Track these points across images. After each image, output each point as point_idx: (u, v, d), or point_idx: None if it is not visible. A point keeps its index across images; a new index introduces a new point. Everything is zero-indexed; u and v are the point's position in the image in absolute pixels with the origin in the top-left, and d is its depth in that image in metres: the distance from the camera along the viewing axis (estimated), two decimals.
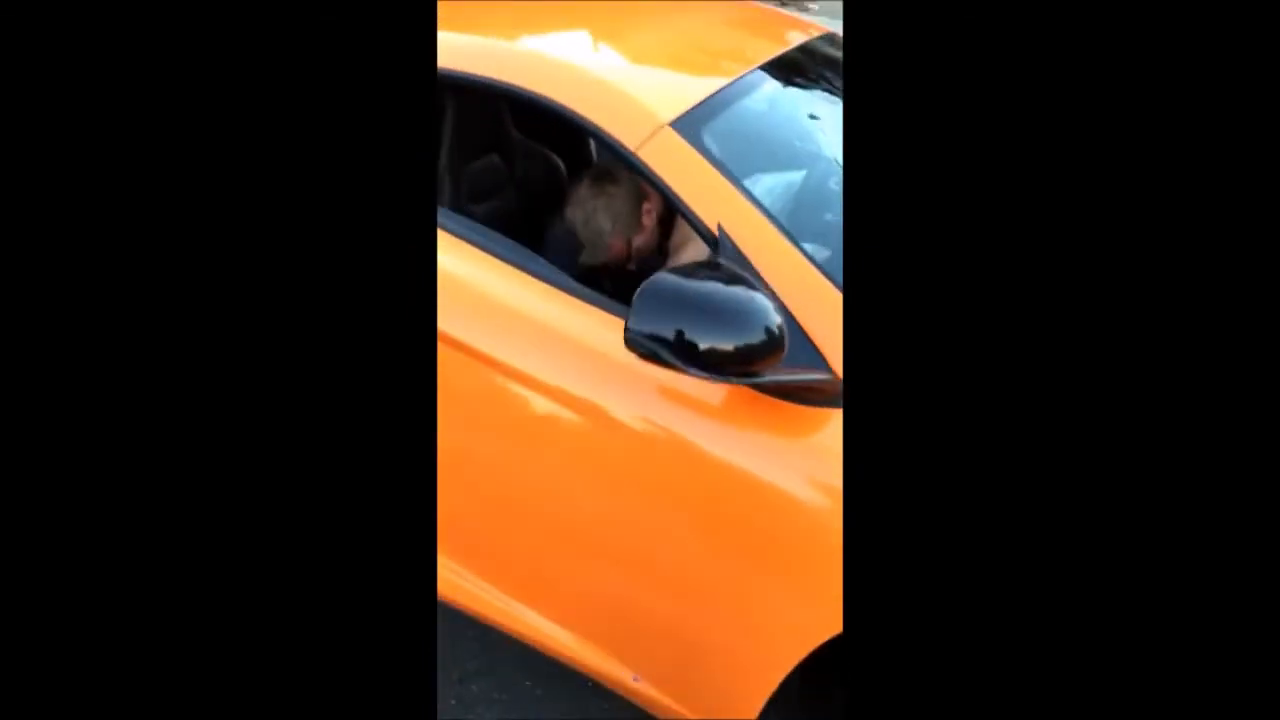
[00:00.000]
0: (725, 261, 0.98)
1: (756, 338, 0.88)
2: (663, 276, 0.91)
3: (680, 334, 0.87)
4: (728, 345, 0.87)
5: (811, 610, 0.93)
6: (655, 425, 1.02)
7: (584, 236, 1.38)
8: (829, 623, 0.91)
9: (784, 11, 1.82)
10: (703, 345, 0.87)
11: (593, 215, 1.37)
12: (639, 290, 0.89)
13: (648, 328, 0.88)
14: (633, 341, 0.89)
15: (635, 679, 1.11)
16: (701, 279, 0.92)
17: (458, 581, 1.22)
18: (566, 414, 1.08)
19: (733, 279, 0.94)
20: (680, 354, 0.88)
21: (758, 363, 0.89)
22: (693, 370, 0.88)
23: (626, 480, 1.07)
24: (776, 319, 0.89)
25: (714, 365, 0.88)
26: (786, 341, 0.90)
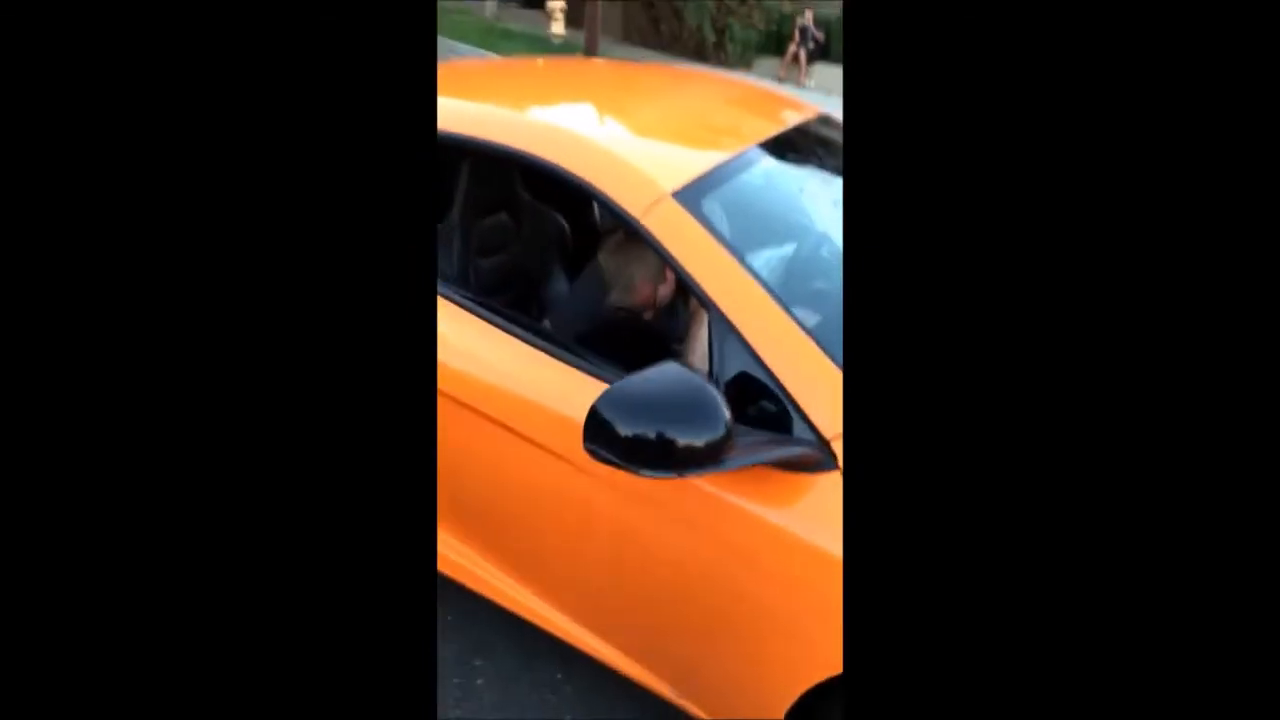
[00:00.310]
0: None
1: (719, 430, 0.90)
2: (609, 393, 0.93)
3: (634, 436, 0.91)
4: (699, 442, 0.90)
5: (804, 639, 0.98)
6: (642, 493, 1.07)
7: (614, 280, 1.45)
8: (804, 674, 0.94)
9: (780, 91, 1.92)
10: (681, 443, 0.90)
11: (626, 263, 1.44)
12: (590, 411, 0.92)
13: (598, 445, 0.93)
14: (595, 454, 0.93)
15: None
16: (639, 385, 0.93)
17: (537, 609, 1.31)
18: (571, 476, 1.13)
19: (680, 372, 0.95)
20: (637, 458, 0.92)
21: (727, 457, 0.92)
22: (651, 472, 0.92)
23: (625, 534, 1.12)
24: (724, 410, 0.91)
25: (663, 463, 0.91)
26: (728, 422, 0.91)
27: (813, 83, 10.38)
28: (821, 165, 1.54)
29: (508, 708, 1.36)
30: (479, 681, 1.40)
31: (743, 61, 10.60)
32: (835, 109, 2.02)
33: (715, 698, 1.15)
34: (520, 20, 11.65)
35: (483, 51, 8.27)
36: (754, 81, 2.08)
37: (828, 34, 10.42)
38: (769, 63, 10.73)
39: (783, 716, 1.02)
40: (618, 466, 0.93)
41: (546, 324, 1.45)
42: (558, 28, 10.36)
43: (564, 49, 9.91)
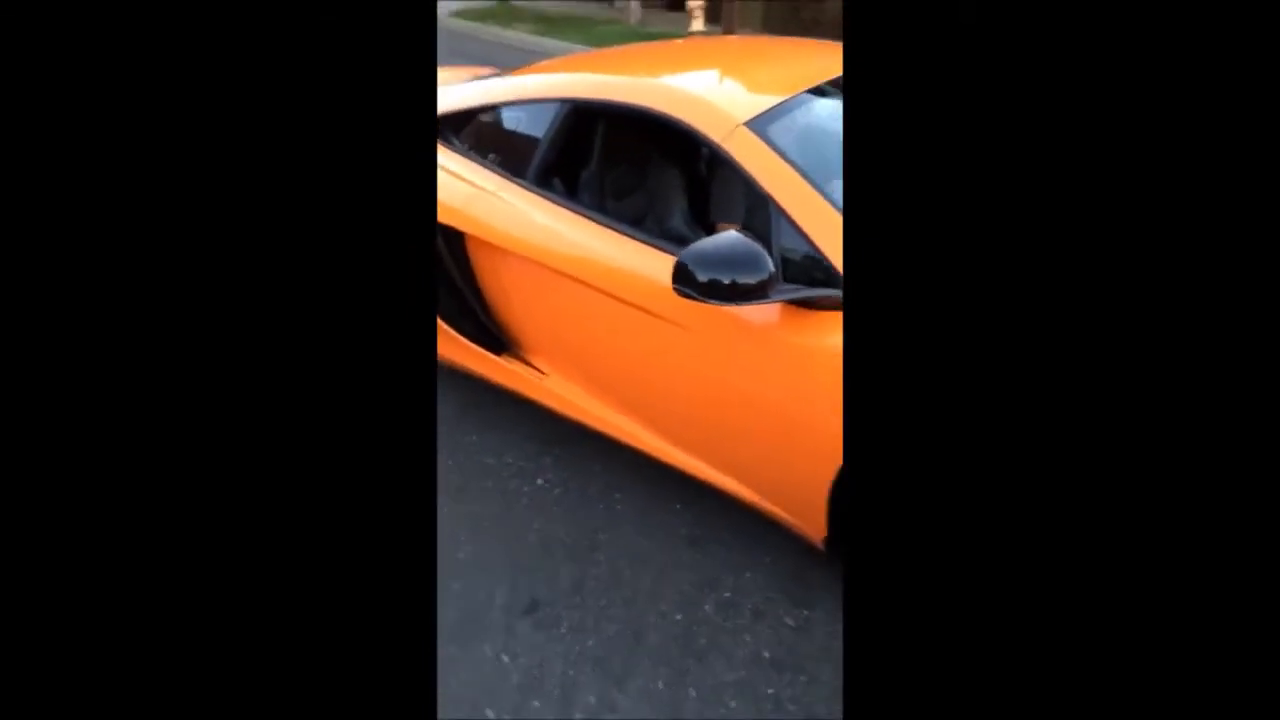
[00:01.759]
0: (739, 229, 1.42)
1: (765, 273, 1.32)
2: (689, 249, 1.37)
3: (711, 280, 1.33)
4: (752, 281, 1.32)
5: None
6: (727, 316, 1.49)
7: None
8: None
9: None
10: (725, 281, 1.33)
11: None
12: (677, 262, 1.36)
13: (684, 286, 1.36)
14: (679, 291, 1.37)
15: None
16: (716, 244, 1.36)
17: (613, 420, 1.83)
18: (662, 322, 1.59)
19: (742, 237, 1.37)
20: (708, 295, 1.34)
21: (772, 291, 1.34)
22: (720, 303, 1.34)
23: (713, 352, 1.55)
24: (769, 262, 1.32)
25: (735, 296, 1.33)
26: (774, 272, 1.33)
27: None
28: None
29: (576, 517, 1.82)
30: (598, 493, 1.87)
31: None
32: None
33: (770, 483, 1.54)
34: (665, 23, 12.22)
35: None
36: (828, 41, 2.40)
37: None
38: None
39: (828, 492, 1.40)
40: (697, 300, 1.36)
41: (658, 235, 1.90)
42: (698, 24, 10.79)
43: None
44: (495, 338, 2.06)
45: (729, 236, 1.37)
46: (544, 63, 2.33)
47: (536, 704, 1.40)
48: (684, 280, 1.37)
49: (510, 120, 2.05)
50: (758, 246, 1.34)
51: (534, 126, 1.94)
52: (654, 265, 1.61)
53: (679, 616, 1.57)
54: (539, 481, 1.95)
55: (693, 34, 10.77)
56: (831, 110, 1.79)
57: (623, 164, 2.04)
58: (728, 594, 1.62)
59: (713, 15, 10.77)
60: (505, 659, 1.48)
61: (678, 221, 2.01)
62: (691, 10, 10.86)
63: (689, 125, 1.64)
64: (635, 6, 12.45)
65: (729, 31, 8.89)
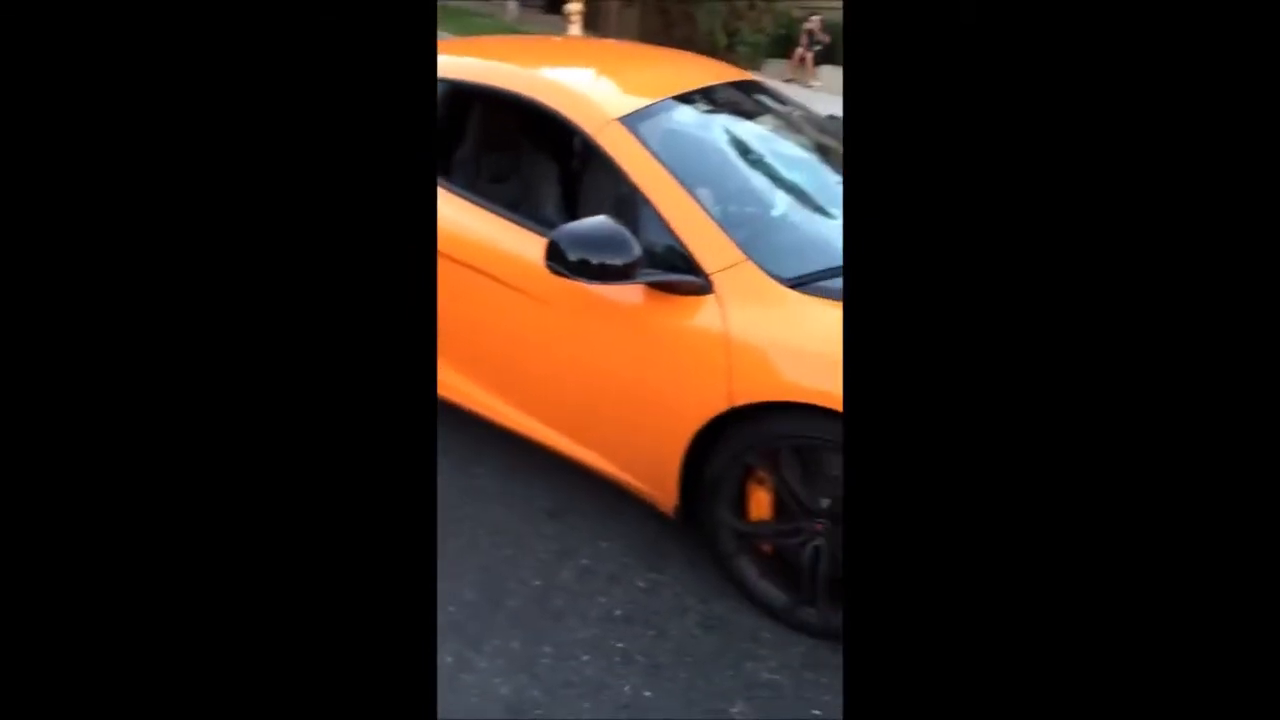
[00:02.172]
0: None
1: (631, 256, 1.43)
2: (561, 230, 1.46)
3: (581, 260, 1.43)
4: (619, 262, 1.43)
5: (694, 400, 1.47)
6: (594, 295, 1.58)
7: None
8: (712, 401, 1.44)
9: (722, 64, 2.44)
10: (594, 261, 1.43)
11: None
12: (550, 241, 1.45)
13: (556, 263, 1.46)
14: (552, 268, 1.46)
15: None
16: (588, 227, 1.46)
17: (483, 398, 1.87)
18: (537, 302, 1.66)
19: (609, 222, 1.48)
20: (578, 273, 1.44)
21: (636, 273, 1.44)
22: (588, 281, 1.44)
23: (578, 330, 1.64)
24: (636, 246, 1.44)
25: (603, 276, 1.43)
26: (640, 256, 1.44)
27: (819, 83, 10.84)
28: (732, 113, 2.06)
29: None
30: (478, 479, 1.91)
31: (752, 64, 11.08)
32: (839, 108, 2.51)
33: (628, 456, 1.65)
34: (541, 25, 12.24)
35: None
36: (710, 60, 2.59)
37: (834, 37, 10.89)
38: (777, 65, 11.20)
39: (680, 464, 1.52)
40: (567, 278, 1.44)
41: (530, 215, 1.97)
42: (575, 30, 10.93)
43: None
44: None
45: (599, 220, 1.46)
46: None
47: None
48: (555, 258, 1.45)
49: None
50: (625, 231, 1.45)
51: None
52: (526, 246, 1.68)
53: (537, 583, 1.64)
54: None
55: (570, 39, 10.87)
56: (696, 117, 1.94)
57: (498, 149, 2.10)
58: (585, 561, 1.71)
59: (589, 22, 10.94)
60: None
61: (550, 209, 2.09)
62: (569, 15, 10.97)
63: (565, 116, 1.73)
64: (513, 6, 12.40)
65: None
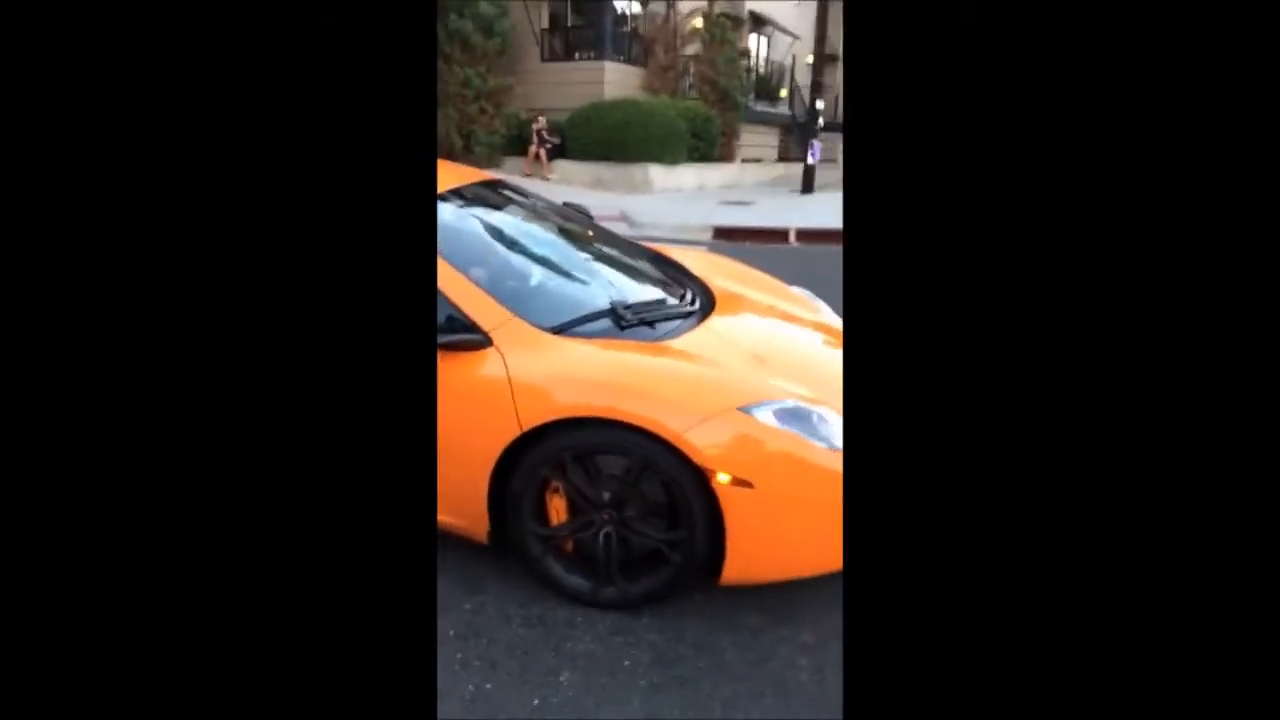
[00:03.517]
0: None
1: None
2: None
3: None
4: None
5: (491, 435, 1.78)
6: None
7: None
8: (506, 431, 1.76)
9: (465, 167, 2.88)
10: None
11: None
12: None
13: None
14: None
15: None
16: None
17: None
18: None
19: None
20: None
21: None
22: None
23: None
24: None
25: None
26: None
27: (555, 176, 11.84)
28: (487, 206, 2.48)
29: None
30: None
31: (490, 163, 11.80)
32: (576, 198, 2.99)
33: (442, 498, 1.92)
34: None
35: None
36: (454, 164, 3.02)
37: (561, 135, 12.01)
38: (514, 161, 12.04)
39: (486, 497, 1.82)
40: None
41: None
42: None
43: None
44: None
45: None
46: None
47: None
48: None
49: None
50: None
51: None
52: None
53: None
54: None
55: None
56: (455, 211, 2.33)
57: None
58: None
59: None
60: None
61: None
62: None
63: None
64: None
65: None
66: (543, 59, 13.18)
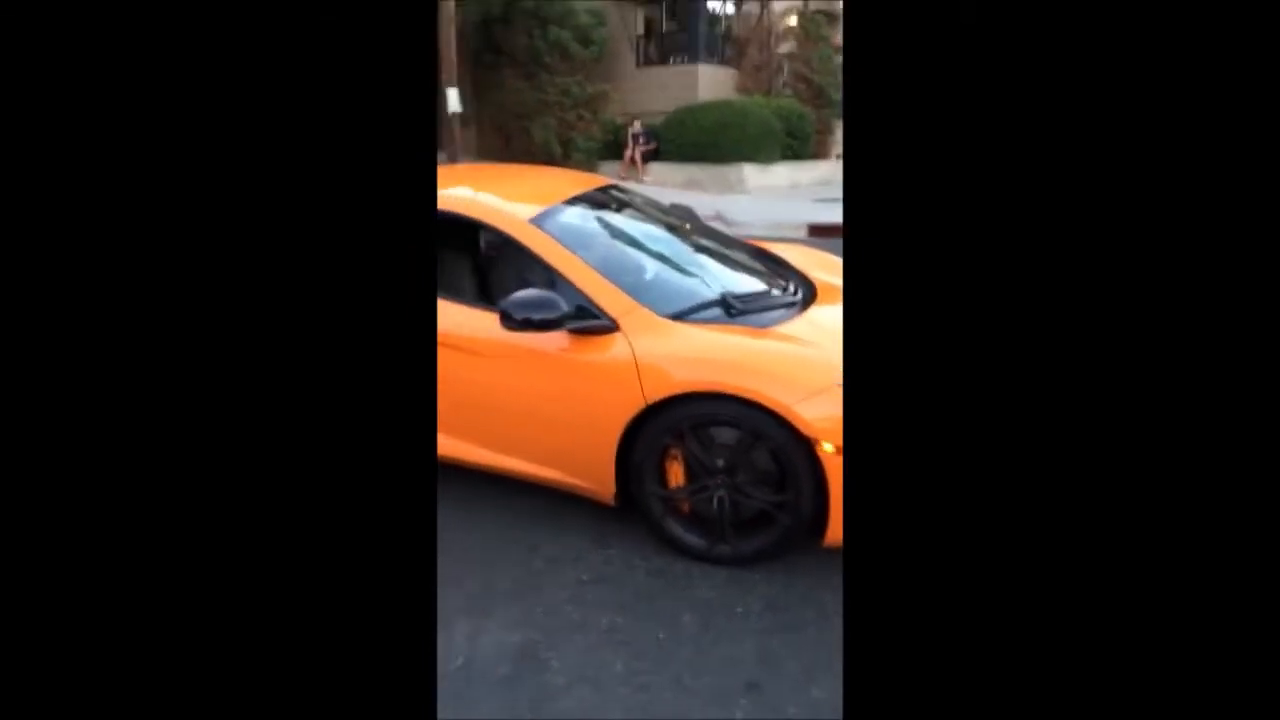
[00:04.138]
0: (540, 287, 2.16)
1: (560, 311, 2.05)
2: (508, 299, 2.07)
3: (525, 318, 2.03)
4: (552, 316, 2.04)
5: (619, 408, 2.05)
6: (530, 349, 2.16)
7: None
8: (632, 405, 2.03)
9: (583, 173, 3.18)
10: (536, 318, 2.04)
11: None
12: (501, 308, 2.06)
13: (509, 322, 2.05)
14: (506, 326, 2.06)
15: None
16: (527, 295, 2.08)
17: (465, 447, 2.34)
18: (494, 361, 2.22)
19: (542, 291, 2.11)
20: (526, 326, 2.04)
21: (565, 322, 2.06)
22: (536, 331, 2.05)
23: (523, 375, 2.20)
24: (563, 304, 2.06)
25: (544, 326, 2.04)
26: (569, 310, 2.07)
27: (649, 178, 12.16)
28: (608, 210, 2.76)
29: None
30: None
31: (588, 166, 12.24)
32: (671, 200, 3.28)
33: (573, 463, 2.20)
34: None
35: None
36: (573, 171, 3.34)
37: (656, 138, 12.32)
38: (611, 165, 12.45)
39: (614, 460, 2.09)
40: (517, 330, 2.03)
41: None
42: None
43: None
44: None
45: (533, 291, 2.07)
46: None
47: None
48: (507, 320, 2.03)
49: None
50: (553, 294, 2.06)
51: None
52: (470, 319, 2.25)
53: (517, 571, 2.13)
54: None
55: None
56: (580, 213, 2.62)
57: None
58: (551, 550, 2.22)
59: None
60: None
61: (469, 294, 2.67)
62: None
63: (487, 222, 2.34)
64: None
65: (452, 158, 9.86)
66: (638, 64, 13.54)
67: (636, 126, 12.24)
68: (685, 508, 2.16)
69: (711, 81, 12.99)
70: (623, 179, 11.93)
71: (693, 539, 2.14)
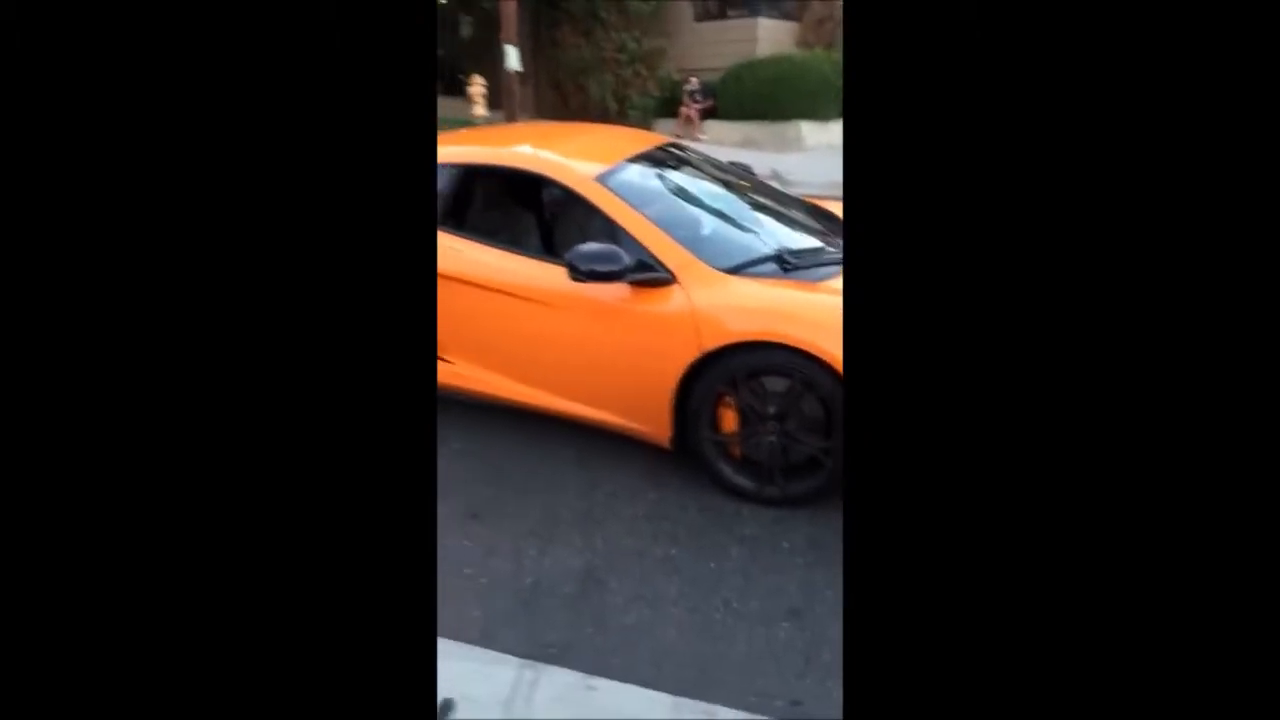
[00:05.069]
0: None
1: (623, 264, 2.18)
2: (574, 251, 2.20)
3: (590, 270, 2.17)
4: (616, 268, 2.17)
5: (676, 356, 2.18)
6: (592, 300, 2.30)
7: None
8: (688, 353, 2.16)
9: (643, 131, 3.28)
10: (600, 270, 2.17)
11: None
12: (568, 260, 2.20)
13: (574, 273, 2.18)
14: (572, 277, 2.20)
15: None
16: (592, 248, 2.21)
17: (507, 383, 2.52)
18: (557, 307, 2.37)
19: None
20: (590, 278, 2.17)
21: (627, 274, 2.19)
22: (598, 284, 2.19)
23: (587, 324, 2.35)
24: (626, 257, 2.19)
25: (607, 278, 2.17)
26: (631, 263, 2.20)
27: (705, 137, 12.06)
28: (667, 167, 2.86)
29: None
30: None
31: (644, 123, 12.19)
32: (726, 158, 3.39)
33: (632, 407, 2.35)
34: (442, 107, 13.09)
35: None
36: (634, 129, 3.43)
37: (713, 95, 12.18)
38: (666, 123, 12.37)
39: (671, 404, 2.23)
40: (583, 281, 2.17)
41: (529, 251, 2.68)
42: (479, 109, 11.80)
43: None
44: None
45: (596, 244, 2.20)
46: None
47: (494, 561, 2.05)
48: (573, 271, 2.18)
49: None
50: (616, 248, 2.19)
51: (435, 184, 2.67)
52: (536, 271, 2.40)
53: (580, 504, 2.30)
54: (452, 446, 2.58)
55: (477, 117, 11.72)
56: (641, 171, 2.73)
57: (500, 208, 2.82)
58: (609, 488, 2.39)
59: (491, 101, 11.87)
60: (467, 543, 2.12)
61: (546, 245, 2.82)
62: (473, 96, 11.84)
63: (555, 179, 2.47)
64: None
65: (511, 116, 9.98)
66: (696, 19, 13.32)
67: (693, 83, 12.11)
68: (737, 451, 2.30)
69: (771, 36, 12.71)
70: (678, 136, 11.87)
71: (743, 480, 2.28)
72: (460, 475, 2.42)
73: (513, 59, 9.69)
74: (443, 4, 11.39)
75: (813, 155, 10.95)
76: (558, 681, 1.62)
